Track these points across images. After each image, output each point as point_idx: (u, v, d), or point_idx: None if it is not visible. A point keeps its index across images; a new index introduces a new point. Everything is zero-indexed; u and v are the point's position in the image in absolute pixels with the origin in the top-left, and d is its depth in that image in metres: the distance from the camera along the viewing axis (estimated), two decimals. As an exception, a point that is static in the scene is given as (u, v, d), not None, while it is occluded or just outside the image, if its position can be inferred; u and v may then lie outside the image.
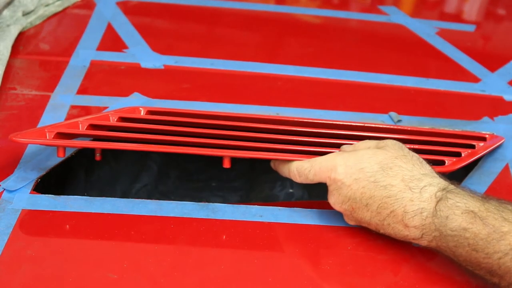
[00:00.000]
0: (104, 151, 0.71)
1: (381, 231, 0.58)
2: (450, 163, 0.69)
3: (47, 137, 0.64)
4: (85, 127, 0.67)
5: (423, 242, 0.56)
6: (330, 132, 0.72)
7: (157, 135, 0.69)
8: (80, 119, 0.68)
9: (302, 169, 0.63)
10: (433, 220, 0.54)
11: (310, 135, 0.71)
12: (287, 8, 1.24)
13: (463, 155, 0.72)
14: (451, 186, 0.56)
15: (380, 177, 0.58)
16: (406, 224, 0.56)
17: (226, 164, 0.65)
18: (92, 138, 0.71)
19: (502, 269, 0.51)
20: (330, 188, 0.60)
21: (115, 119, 0.71)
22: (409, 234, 0.56)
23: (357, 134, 0.72)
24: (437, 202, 0.55)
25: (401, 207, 0.56)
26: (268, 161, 0.72)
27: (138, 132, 0.68)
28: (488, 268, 0.52)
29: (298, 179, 0.63)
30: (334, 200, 0.61)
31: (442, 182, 0.56)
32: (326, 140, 0.69)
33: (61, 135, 0.66)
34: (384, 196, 0.57)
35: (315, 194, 0.90)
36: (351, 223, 0.61)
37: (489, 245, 0.51)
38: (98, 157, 0.66)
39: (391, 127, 0.76)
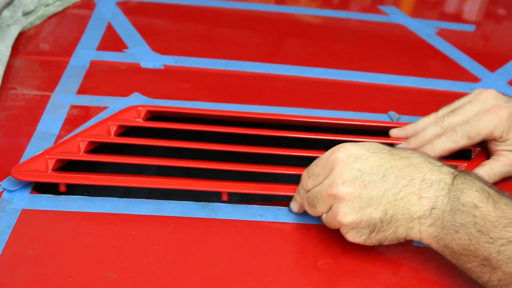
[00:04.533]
0: (104, 151, 0.71)
1: (389, 212, 0.55)
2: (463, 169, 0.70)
3: (49, 167, 0.65)
4: (85, 145, 0.69)
5: (428, 221, 0.54)
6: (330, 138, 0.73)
7: (157, 141, 0.71)
8: (79, 135, 0.70)
9: (306, 171, 0.61)
10: (448, 193, 0.53)
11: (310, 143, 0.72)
12: (287, 8, 1.24)
13: (472, 156, 0.72)
14: (467, 171, 0.56)
15: (397, 151, 0.57)
16: (420, 195, 0.54)
17: (224, 197, 0.65)
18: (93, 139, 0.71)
19: (500, 258, 0.50)
20: (338, 167, 0.56)
21: (115, 129, 0.72)
22: (418, 209, 0.54)
23: (358, 139, 0.73)
24: (455, 176, 0.54)
25: (420, 175, 0.55)
26: (267, 161, 0.72)
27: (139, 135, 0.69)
28: (485, 255, 0.51)
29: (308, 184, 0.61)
30: (343, 178, 0.56)
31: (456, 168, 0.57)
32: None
33: (61, 161, 0.67)
34: (405, 165, 0.55)
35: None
36: (350, 217, 0.55)
37: (495, 229, 0.50)
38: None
39: (393, 125, 0.76)
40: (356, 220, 0.56)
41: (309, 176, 0.60)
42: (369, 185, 0.55)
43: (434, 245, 0.55)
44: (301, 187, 0.62)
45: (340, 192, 0.56)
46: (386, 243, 0.57)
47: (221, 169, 0.68)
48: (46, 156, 0.66)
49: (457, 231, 0.52)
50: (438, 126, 0.71)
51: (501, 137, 0.69)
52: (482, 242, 0.51)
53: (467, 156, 0.73)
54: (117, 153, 0.71)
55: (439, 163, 0.56)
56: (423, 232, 0.55)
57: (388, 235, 0.56)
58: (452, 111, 0.72)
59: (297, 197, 0.63)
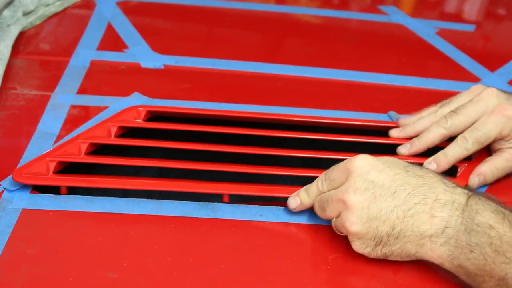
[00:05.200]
0: (105, 152, 0.71)
1: (397, 228, 0.55)
2: (464, 169, 0.70)
3: (50, 170, 0.65)
4: (86, 147, 0.69)
5: (440, 240, 0.53)
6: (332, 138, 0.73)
7: (157, 142, 0.71)
8: (80, 137, 0.70)
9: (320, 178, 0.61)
10: (462, 213, 0.53)
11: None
12: (287, 8, 1.24)
13: (473, 157, 0.72)
14: (481, 192, 0.57)
15: (413, 169, 0.57)
16: (432, 214, 0.54)
17: (226, 199, 0.65)
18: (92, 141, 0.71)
19: None
20: (353, 176, 0.57)
21: (115, 130, 0.72)
22: (430, 227, 0.54)
23: (360, 140, 0.73)
24: (469, 197, 0.54)
25: (434, 195, 0.55)
26: (267, 161, 0.72)
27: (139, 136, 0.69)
28: (501, 276, 0.50)
29: (320, 187, 0.61)
30: (355, 187, 0.56)
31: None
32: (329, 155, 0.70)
33: (62, 163, 0.67)
34: (419, 184, 0.55)
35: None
36: (356, 227, 0.56)
37: None
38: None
39: (393, 125, 0.76)
40: (363, 231, 0.56)
41: (325, 180, 0.60)
42: (379, 198, 0.55)
43: (446, 265, 0.54)
44: (314, 187, 0.62)
45: (350, 200, 0.56)
46: (392, 258, 0.57)
47: (222, 171, 0.68)
48: (47, 158, 0.66)
49: (472, 251, 0.52)
50: (441, 127, 0.71)
51: (508, 136, 0.69)
52: (498, 262, 0.51)
53: (468, 156, 0.73)
54: (118, 154, 0.71)
55: (453, 184, 0.56)
56: (434, 250, 0.54)
57: (395, 249, 0.56)
58: (455, 111, 0.71)
59: (302, 194, 0.63)
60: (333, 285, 0.56)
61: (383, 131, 0.76)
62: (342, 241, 0.60)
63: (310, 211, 0.64)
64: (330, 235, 0.61)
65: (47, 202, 0.62)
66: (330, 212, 0.59)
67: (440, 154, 0.70)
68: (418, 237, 0.54)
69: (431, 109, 0.74)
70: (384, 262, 0.58)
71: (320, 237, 0.61)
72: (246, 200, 0.67)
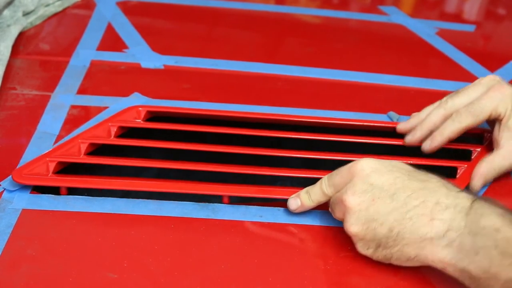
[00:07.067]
0: (104, 152, 0.71)
1: (395, 230, 0.55)
2: (464, 170, 0.70)
3: (49, 170, 0.66)
4: (86, 147, 0.69)
5: (442, 243, 0.53)
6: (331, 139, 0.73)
7: (157, 142, 0.71)
8: (80, 137, 0.70)
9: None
10: (465, 216, 0.52)
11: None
12: (287, 8, 1.24)
13: (472, 157, 0.72)
14: (486, 197, 0.56)
15: (416, 174, 0.57)
16: (432, 217, 0.53)
17: (225, 201, 0.65)
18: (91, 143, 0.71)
19: None
20: (354, 179, 0.57)
21: (115, 130, 0.72)
22: (430, 230, 0.53)
23: (360, 141, 0.73)
24: (473, 201, 0.53)
25: (434, 199, 0.54)
26: (268, 162, 0.72)
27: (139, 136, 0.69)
28: (509, 277, 0.50)
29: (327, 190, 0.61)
30: (354, 189, 0.56)
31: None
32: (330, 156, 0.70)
33: (62, 164, 0.67)
34: (419, 188, 0.55)
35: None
36: (355, 228, 0.56)
37: None
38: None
39: (393, 125, 0.76)
40: (361, 232, 0.56)
41: (329, 185, 0.61)
42: (378, 201, 0.55)
43: (449, 269, 0.53)
44: (317, 189, 0.62)
45: (348, 202, 0.57)
46: (392, 260, 0.56)
47: (221, 171, 0.68)
48: (47, 159, 0.66)
49: (476, 254, 0.51)
50: (442, 108, 0.71)
51: (505, 115, 0.69)
52: (504, 265, 0.50)
53: (467, 157, 0.73)
54: (117, 154, 0.71)
55: (457, 189, 0.56)
56: (435, 253, 0.53)
57: (394, 252, 0.55)
58: (455, 93, 0.72)
59: (304, 196, 0.63)
60: (333, 285, 0.56)
61: (383, 132, 0.76)
62: (342, 242, 0.60)
63: (310, 211, 0.64)
64: (329, 236, 0.61)
65: (47, 202, 0.62)
66: (337, 214, 0.60)
67: (435, 132, 0.70)
68: (417, 239, 0.54)
69: (437, 102, 0.74)
70: (383, 263, 0.58)
71: (319, 237, 0.61)
72: (245, 199, 0.67)
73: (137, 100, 0.81)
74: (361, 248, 0.58)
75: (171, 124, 0.74)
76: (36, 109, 0.78)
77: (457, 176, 0.70)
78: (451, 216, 0.53)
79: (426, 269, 0.57)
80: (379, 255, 0.57)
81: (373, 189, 0.56)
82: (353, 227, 0.56)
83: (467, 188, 0.68)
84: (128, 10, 1.09)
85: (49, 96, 0.81)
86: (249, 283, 0.55)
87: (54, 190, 0.65)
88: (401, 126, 0.75)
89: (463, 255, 0.52)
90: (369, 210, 0.56)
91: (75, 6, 1.10)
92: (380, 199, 0.55)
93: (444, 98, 0.73)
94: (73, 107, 0.79)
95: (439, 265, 0.54)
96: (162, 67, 0.91)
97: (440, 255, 0.53)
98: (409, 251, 0.55)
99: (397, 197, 0.55)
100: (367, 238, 0.56)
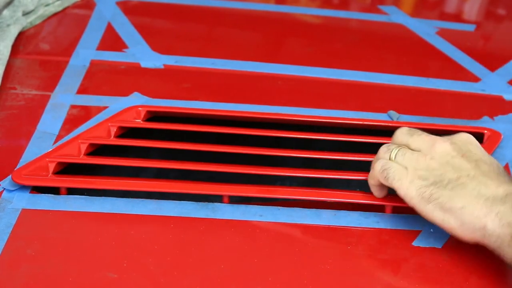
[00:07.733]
0: (104, 152, 0.71)
1: (461, 180, 0.57)
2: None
3: (49, 170, 0.66)
4: (85, 147, 0.69)
5: (496, 201, 0.54)
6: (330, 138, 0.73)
7: (157, 142, 0.71)
8: (79, 137, 0.70)
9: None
10: None
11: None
12: (287, 8, 1.24)
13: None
14: None
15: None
16: (501, 180, 0.56)
17: (226, 201, 0.65)
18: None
19: None
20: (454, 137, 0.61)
21: (115, 130, 0.72)
22: (489, 190, 0.55)
23: (360, 140, 0.73)
24: None
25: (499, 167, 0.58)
26: (268, 161, 0.72)
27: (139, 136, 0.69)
28: None
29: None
30: (452, 140, 0.60)
31: None
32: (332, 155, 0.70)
33: (62, 164, 0.67)
34: (499, 173, 0.58)
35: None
36: (443, 149, 0.59)
37: None
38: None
39: (393, 124, 0.76)
40: (435, 165, 0.58)
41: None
42: (464, 158, 0.58)
43: (490, 225, 0.53)
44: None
45: (443, 141, 0.60)
46: (432, 203, 0.56)
47: (221, 171, 0.68)
48: (47, 159, 0.66)
49: None
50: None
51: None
52: None
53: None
54: (117, 154, 0.71)
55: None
56: (484, 208, 0.54)
57: (445, 194, 0.56)
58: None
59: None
60: (333, 285, 0.56)
61: (383, 131, 0.76)
62: (342, 241, 0.60)
63: (310, 212, 0.64)
64: (330, 235, 0.61)
65: (46, 202, 0.62)
66: (416, 142, 0.61)
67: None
68: (474, 194, 0.55)
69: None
70: (384, 263, 0.58)
71: (319, 237, 0.61)
72: (245, 199, 0.67)
73: (137, 99, 0.81)
74: (417, 179, 0.58)
75: (171, 124, 0.74)
76: (36, 109, 0.78)
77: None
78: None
79: (427, 269, 0.57)
80: (425, 190, 0.57)
81: (467, 151, 0.59)
82: (441, 147, 0.59)
83: None
84: (128, 10, 1.09)
85: (49, 96, 0.81)
86: (249, 283, 0.55)
87: (54, 190, 0.65)
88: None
89: None
90: (455, 159, 0.58)
91: (75, 6, 1.09)
92: (466, 158, 0.58)
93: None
94: (73, 107, 0.79)
95: (479, 223, 0.54)
96: (162, 67, 0.90)
97: (485, 211, 0.54)
98: (459, 201, 0.55)
99: (479, 165, 0.58)
100: (435, 172, 0.58)
